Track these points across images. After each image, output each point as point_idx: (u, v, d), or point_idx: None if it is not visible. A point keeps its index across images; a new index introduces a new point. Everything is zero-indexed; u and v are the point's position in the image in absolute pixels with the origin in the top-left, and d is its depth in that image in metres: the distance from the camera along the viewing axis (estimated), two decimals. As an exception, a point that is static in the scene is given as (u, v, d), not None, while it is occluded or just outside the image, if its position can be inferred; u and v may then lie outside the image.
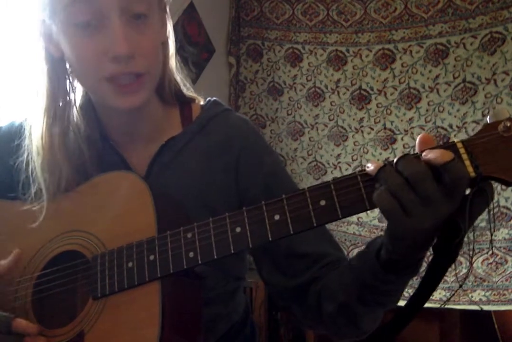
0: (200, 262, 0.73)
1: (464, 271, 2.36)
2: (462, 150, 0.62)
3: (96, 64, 0.82)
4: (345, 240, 2.71)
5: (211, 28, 2.87)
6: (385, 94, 2.71)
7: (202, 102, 1.00)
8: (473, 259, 2.32)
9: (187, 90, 1.00)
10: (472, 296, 2.31)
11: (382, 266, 0.70)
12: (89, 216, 0.86)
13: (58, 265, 0.85)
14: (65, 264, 0.85)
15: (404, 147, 2.68)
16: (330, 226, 2.57)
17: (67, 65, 0.89)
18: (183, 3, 2.65)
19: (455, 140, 0.63)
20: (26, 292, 0.86)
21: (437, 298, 2.34)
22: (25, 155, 0.91)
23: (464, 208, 0.61)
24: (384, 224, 2.70)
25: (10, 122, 1.01)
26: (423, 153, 0.62)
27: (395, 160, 0.63)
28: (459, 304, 2.33)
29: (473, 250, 0.62)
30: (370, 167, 0.64)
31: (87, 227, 0.85)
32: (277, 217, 0.69)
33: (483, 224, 1.86)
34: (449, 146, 0.62)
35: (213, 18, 2.90)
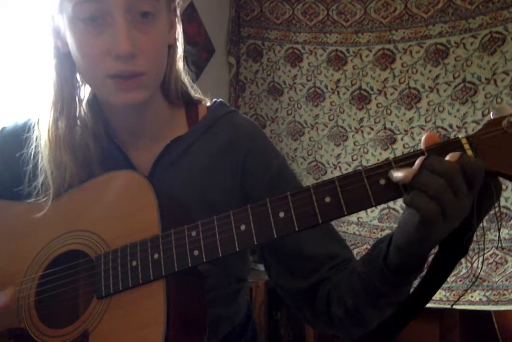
0: (205, 260, 0.73)
1: (464, 271, 2.36)
2: (466, 146, 0.62)
3: (99, 62, 0.82)
4: (345, 240, 2.71)
5: (211, 28, 2.87)
6: (385, 94, 2.71)
7: (208, 103, 1.00)
8: (473, 259, 2.32)
9: (195, 92, 1.00)
10: (472, 296, 2.31)
11: (392, 271, 0.70)
12: (92, 215, 0.86)
13: (61, 264, 0.85)
14: (68, 263, 0.85)
15: (404, 147, 2.68)
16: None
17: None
18: (183, 3, 2.65)
19: (460, 136, 0.63)
20: (29, 292, 0.86)
21: (437, 298, 2.34)
22: (33, 147, 0.92)
23: (473, 204, 0.61)
24: (384, 224, 2.72)
25: (15, 122, 1.01)
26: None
27: (419, 163, 0.61)
28: (459, 304, 2.32)
29: (483, 249, 0.63)
30: (399, 174, 0.61)
31: (90, 226, 0.84)
32: (281, 214, 0.68)
33: (483, 224, 1.85)
34: (454, 142, 0.62)
35: (213, 18, 2.90)
